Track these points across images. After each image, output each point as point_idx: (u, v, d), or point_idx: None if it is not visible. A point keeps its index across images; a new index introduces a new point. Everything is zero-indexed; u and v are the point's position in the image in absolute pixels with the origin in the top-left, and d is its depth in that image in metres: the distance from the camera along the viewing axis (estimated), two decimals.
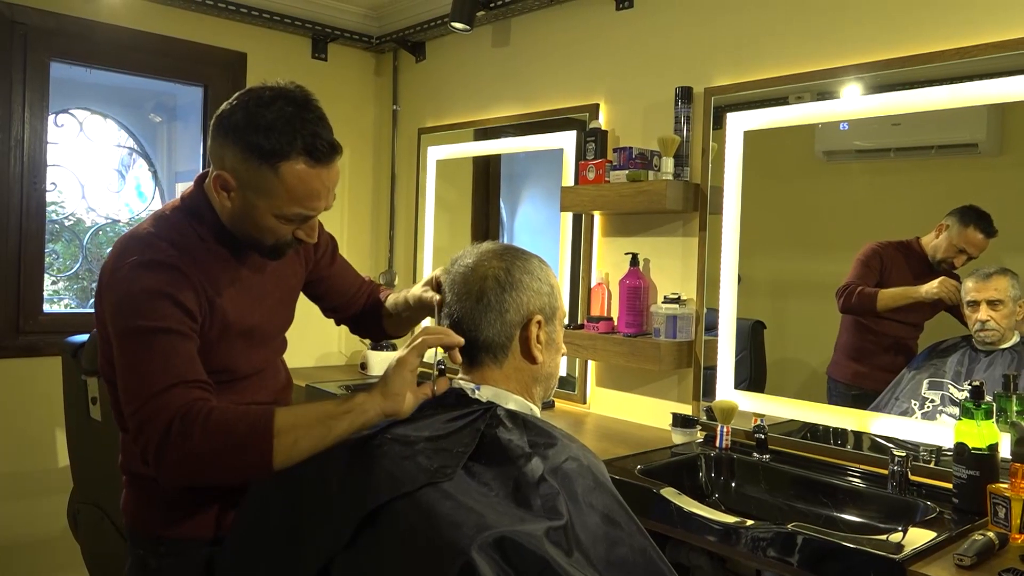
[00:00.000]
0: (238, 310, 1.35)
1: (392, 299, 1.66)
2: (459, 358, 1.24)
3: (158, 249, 1.26)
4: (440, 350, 1.24)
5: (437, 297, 1.37)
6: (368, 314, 1.72)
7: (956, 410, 1.78)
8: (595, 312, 2.59)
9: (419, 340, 1.21)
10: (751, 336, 2.26)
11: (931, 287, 1.90)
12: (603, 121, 2.67)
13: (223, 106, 1.28)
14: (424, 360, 1.23)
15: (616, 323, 2.49)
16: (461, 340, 1.22)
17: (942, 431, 1.81)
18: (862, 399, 2.00)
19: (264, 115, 1.23)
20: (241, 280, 1.38)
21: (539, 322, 1.23)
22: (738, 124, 2.25)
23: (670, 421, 2.23)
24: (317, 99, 1.29)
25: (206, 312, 1.28)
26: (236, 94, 1.29)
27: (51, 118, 2.92)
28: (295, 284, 1.56)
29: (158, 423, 1.13)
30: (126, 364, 1.20)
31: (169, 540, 1.35)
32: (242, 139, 1.23)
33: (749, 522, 1.56)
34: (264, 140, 1.22)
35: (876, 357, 2.04)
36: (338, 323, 1.78)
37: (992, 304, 1.80)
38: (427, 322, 1.58)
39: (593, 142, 2.56)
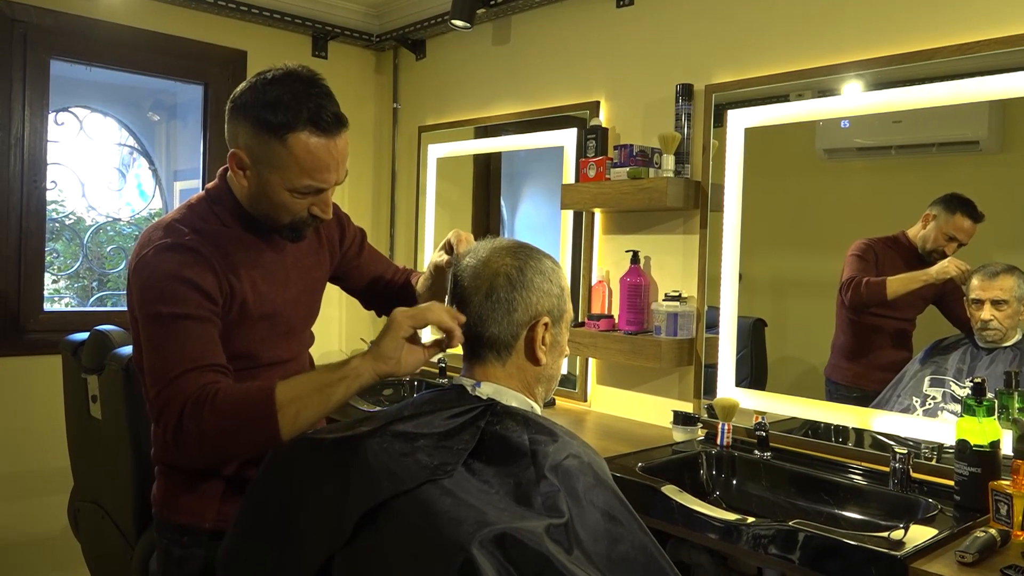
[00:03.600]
0: (258, 293, 1.38)
1: (420, 279, 1.67)
2: (456, 343, 1.23)
3: (179, 233, 1.32)
4: (436, 330, 1.25)
5: (446, 258, 1.38)
6: (403, 301, 1.73)
7: (958, 407, 1.78)
8: (596, 310, 2.59)
9: (421, 313, 1.22)
10: (752, 334, 2.25)
11: (942, 267, 1.87)
12: (603, 118, 2.67)
13: (236, 89, 1.34)
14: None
15: (617, 321, 2.48)
16: (458, 331, 1.21)
17: (944, 428, 1.81)
18: (863, 400, 2.00)
19: (271, 91, 1.28)
20: (264, 264, 1.41)
21: (546, 324, 1.23)
22: (739, 121, 2.25)
23: (671, 419, 2.23)
24: (323, 77, 1.34)
25: (227, 294, 1.33)
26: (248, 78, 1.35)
27: (51, 116, 2.92)
28: (320, 276, 1.58)
29: (174, 407, 1.20)
30: (149, 348, 1.27)
31: (192, 531, 1.39)
32: (252, 116, 1.29)
33: (750, 519, 1.56)
34: (272, 115, 1.27)
35: (875, 356, 2.03)
36: (379, 314, 1.80)
37: (996, 304, 1.79)
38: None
39: (594, 139, 2.56)
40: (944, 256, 1.87)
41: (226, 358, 1.31)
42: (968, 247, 1.85)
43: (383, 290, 1.74)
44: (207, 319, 1.28)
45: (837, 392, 2.06)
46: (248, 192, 1.36)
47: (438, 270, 1.54)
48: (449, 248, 1.46)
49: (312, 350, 1.65)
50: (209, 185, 1.44)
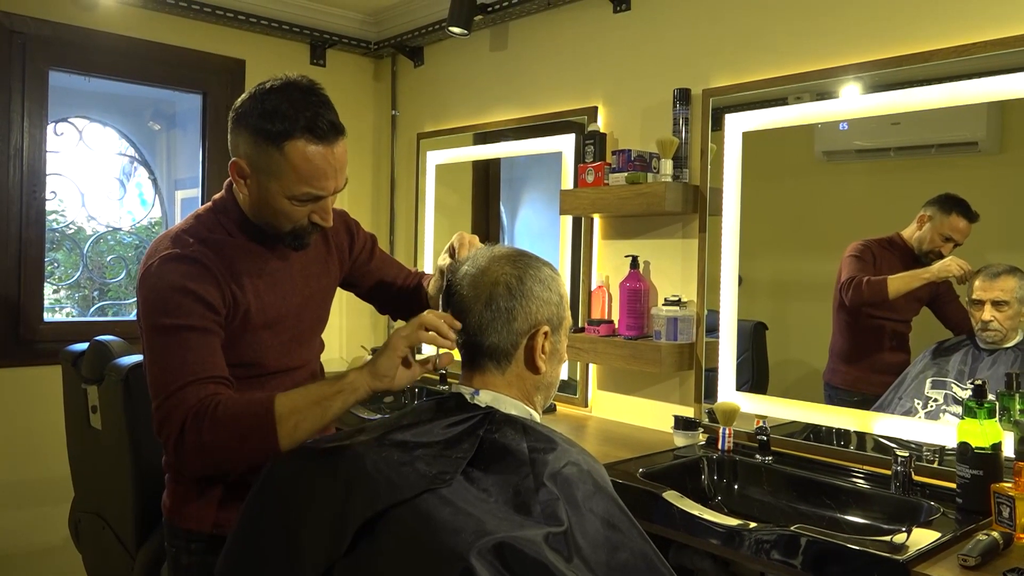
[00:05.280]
0: (262, 302, 1.40)
1: (431, 282, 1.69)
2: (451, 359, 1.28)
3: (185, 244, 1.35)
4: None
5: (448, 261, 1.40)
6: (414, 305, 1.75)
7: (959, 409, 1.77)
8: (596, 315, 2.58)
9: (415, 333, 1.24)
10: (752, 337, 2.25)
11: (944, 266, 1.86)
12: (601, 124, 2.67)
13: (237, 99, 1.36)
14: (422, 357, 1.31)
15: (617, 326, 2.48)
16: (452, 344, 1.24)
17: (945, 431, 1.80)
18: (863, 404, 1.99)
19: (270, 101, 1.30)
20: (269, 273, 1.43)
21: (546, 332, 1.23)
22: (737, 125, 2.25)
23: (672, 424, 2.23)
24: (322, 87, 1.36)
25: (229, 304, 1.35)
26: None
27: (50, 127, 2.92)
28: (328, 283, 1.59)
29: (175, 421, 1.23)
30: (151, 359, 1.30)
31: (199, 536, 1.41)
32: (251, 125, 1.31)
33: (752, 524, 1.56)
34: (269, 123, 1.29)
35: (873, 358, 2.03)
36: (394, 318, 1.85)
37: (997, 305, 1.79)
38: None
39: (592, 145, 2.56)
40: (940, 256, 1.87)
41: (233, 366, 1.34)
42: (968, 248, 1.84)
43: (396, 295, 1.76)
44: (209, 330, 1.31)
45: (837, 396, 2.05)
46: (250, 201, 1.37)
47: (442, 273, 1.54)
48: (453, 251, 1.48)
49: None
50: (216, 196, 1.46)
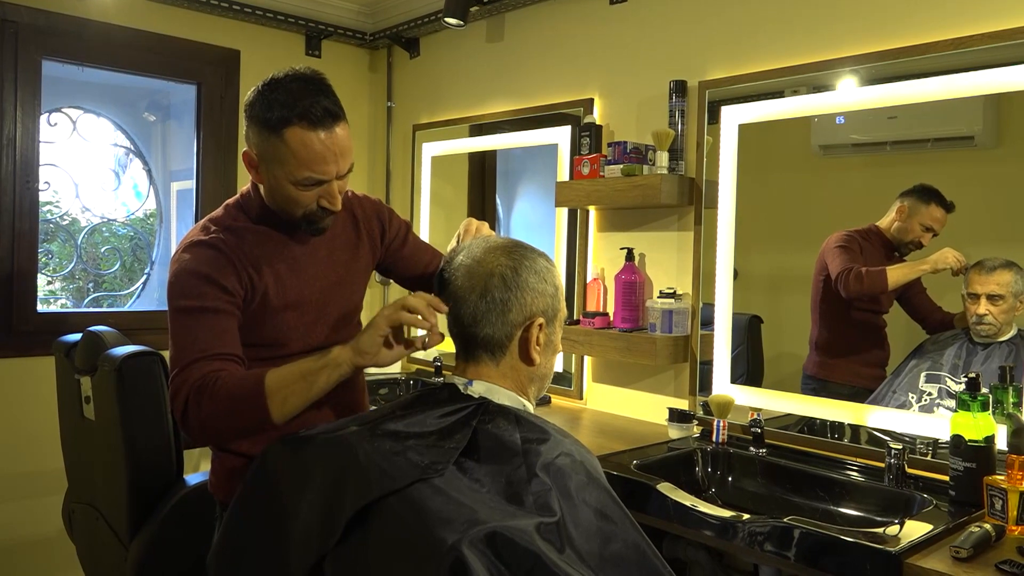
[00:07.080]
0: (282, 285, 1.45)
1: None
2: (440, 339, 1.31)
3: (209, 231, 1.44)
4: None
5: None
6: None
7: (953, 403, 1.78)
8: (591, 307, 2.58)
9: (396, 314, 1.29)
10: (748, 330, 2.25)
11: (942, 257, 1.86)
12: (597, 116, 2.66)
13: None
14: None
15: (612, 318, 2.48)
16: (433, 322, 1.27)
17: (939, 423, 1.80)
18: (852, 396, 2.00)
19: (272, 91, 1.36)
20: (290, 258, 1.48)
21: (540, 324, 1.22)
22: (733, 118, 2.24)
23: (666, 416, 2.23)
24: (325, 77, 1.40)
25: (248, 288, 1.41)
26: None
27: (44, 117, 2.90)
28: (359, 268, 1.63)
29: (181, 394, 1.31)
30: (170, 338, 1.38)
31: (223, 505, 1.48)
32: (255, 116, 1.37)
33: (746, 516, 1.56)
34: (269, 112, 1.34)
35: (859, 350, 2.04)
36: None
37: (992, 299, 1.79)
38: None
39: (588, 137, 2.55)
40: (920, 247, 1.89)
41: (258, 345, 1.42)
42: (964, 241, 1.84)
43: (428, 281, 1.79)
44: (223, 311, 1.37)
45: (825, 389, 2.06)
46: (265, 190, 1.43)
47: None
48: (460, 240, 1.51)
49: None
50: (243, 187, 1.53)
